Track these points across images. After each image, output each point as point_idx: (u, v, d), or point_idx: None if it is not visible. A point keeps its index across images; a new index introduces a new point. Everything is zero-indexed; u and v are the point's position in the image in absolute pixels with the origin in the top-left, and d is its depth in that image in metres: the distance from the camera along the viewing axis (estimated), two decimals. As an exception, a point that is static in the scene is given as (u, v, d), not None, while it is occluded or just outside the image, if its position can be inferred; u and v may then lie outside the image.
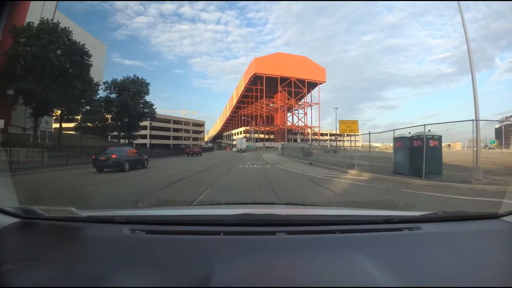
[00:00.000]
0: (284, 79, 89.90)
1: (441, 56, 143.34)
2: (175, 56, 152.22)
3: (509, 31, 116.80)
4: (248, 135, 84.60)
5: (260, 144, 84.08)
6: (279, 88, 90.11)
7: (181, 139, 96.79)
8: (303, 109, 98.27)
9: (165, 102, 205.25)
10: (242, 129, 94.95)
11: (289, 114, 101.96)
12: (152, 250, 1.11)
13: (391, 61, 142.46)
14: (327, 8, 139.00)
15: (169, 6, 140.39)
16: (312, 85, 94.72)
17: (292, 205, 3.50)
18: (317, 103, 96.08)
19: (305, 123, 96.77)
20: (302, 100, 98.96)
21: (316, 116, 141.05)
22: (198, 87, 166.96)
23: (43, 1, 29.00)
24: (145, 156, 18.13)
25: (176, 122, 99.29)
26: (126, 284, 0.87)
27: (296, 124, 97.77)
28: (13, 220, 1.31)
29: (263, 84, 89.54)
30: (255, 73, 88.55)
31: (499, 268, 1.08)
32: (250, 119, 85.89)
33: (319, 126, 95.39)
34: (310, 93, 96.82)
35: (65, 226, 1.36)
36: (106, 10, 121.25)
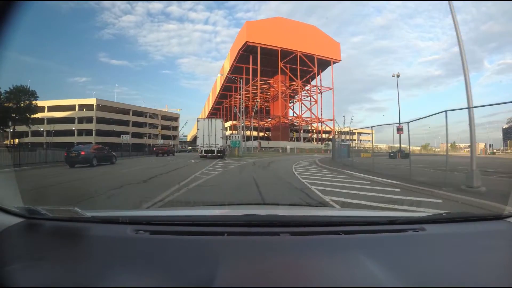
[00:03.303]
0: (286, 53, 64.80)
1: (430, 59, 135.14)
2: (163, 56, 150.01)
3: (498, 34, 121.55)
4: (235, 131, 59.24)
5: (254, 143, 58.83)
6: (280, 65, 64.87)
7: (146, 137, 70.63)
8: (313, 96, 73.28)
9: (152, 103, 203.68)
10: (228, 124, 69.79)
11: (290, 103, 76.91)
12: (156, 250, 1.12)
13: (380, 63, 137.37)
14: (317, 8, 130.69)
15: (156, 5, 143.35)
16: (322, 64, 70.18)
17: (295, 206, 3.40)
18: (330, 88, 71.36)
19: (316, 115, 71.63)
20: (310, 84, 74.23)
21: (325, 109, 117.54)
22: (186, 88, 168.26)
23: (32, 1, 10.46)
24: (114, 153, 19.50)
25: (137, 113, 73.35)
26: (130, 285, 0.88)
27: (303, 117, 72.58)
28: (18, 220, 1.33)
29: (257, 60, 64.31)
30: (246, 43, 62.90)
31: (503, 269, 1.09)
32: (241, 111, 59.89)
33: (333, 120, 70.44)
34: (319, 76, 72.15)
35: (69, 226, 1.36)
36: (93, 8, 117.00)
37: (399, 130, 24.72)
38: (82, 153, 15.65)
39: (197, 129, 27.17)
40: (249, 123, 56.03)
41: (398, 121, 28.64)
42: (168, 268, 0.97)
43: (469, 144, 8.51)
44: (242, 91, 49.44)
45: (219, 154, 25.95)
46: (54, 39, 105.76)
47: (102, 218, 1.48)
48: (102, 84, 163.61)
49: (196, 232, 1.29)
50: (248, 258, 1.08)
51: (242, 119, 42.62)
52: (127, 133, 40.46)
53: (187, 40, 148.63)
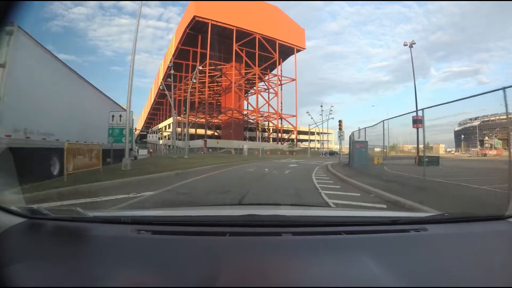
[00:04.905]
0: (243, 35, 53.93)
1: (379, 65, 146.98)
2: (113, 52, 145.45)
3: (446, 44, 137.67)
4: (178, 129, 46.37)
5: (198, 142, 46.75)
6: (235, 47, 53.62)
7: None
8: (273, 88, 62.92)
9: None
10: (169, 121, 56.77)
11: (246, 95, 65.93)
12: (157, 250, 1.13)
13: (331, 68, 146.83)
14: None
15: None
16: (284, 52, 60.56)
17: (297, 206, 3.41)
18: (292, 79, 61.73)
19: (276, 110, 61.42)
20: (270, 73, 63.87)
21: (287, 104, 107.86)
22: (136, 86, 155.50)
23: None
24: None
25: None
26: (132, 285, 0.89)
27: (261, 111, 61.79)
28: (20, 220, 1.32)
29: (206, 42, 52.38)
30: (195, 18, 50.77)
31: (505, 269, 1.09)
32: (186, 105, 44.49)
33: (296, 116, 60.90)
34: (280, 65, 62.22)
35: (71, 226, 1.36)
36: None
37: (417, 122, 14.82)
38: None
39: None
40: (193, 119, 43.92)
41: (408, 111, 19.46)
42: (170, 268, 0.97)
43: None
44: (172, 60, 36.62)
45: None
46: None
47: (104, 218, 1.48)
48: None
49: (198, 232, 1.29)
50: (250, 258, 1.09)
51: (185, 117, 30.00)
52: None
53: (139, 36, 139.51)
